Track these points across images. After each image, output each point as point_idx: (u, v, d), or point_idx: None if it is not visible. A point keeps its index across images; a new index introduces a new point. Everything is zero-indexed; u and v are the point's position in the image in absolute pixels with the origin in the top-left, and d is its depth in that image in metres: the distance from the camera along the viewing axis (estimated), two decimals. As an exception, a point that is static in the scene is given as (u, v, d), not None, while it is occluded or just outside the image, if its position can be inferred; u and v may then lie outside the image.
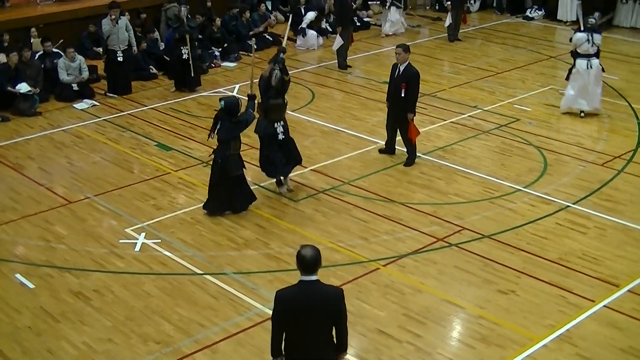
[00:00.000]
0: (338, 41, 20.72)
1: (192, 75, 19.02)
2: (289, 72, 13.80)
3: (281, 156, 13.25)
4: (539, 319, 10.00)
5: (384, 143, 15.19)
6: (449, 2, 23.47)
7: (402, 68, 14.44)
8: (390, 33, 24.39)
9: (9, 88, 17.61)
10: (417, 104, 14.57)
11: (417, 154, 14.82)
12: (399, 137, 14.80)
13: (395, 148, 15.01)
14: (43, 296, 10.66)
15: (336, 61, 21.15)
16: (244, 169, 12.78)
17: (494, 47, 23.26)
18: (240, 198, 12.90)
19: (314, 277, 7.10)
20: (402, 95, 14.34)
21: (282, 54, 13.33)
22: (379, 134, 15.80)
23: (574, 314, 10.11)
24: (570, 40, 17.08)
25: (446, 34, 23.93)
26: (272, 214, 12.83)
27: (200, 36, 20.61)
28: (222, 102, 12.43)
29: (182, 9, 19.08)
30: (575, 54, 16.78)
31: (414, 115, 14.51)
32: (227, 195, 12.76)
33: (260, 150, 13.52)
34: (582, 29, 16.62)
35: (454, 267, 11.21)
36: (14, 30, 20.64)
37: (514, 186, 13.72)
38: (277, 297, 7.19)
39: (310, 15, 23.37)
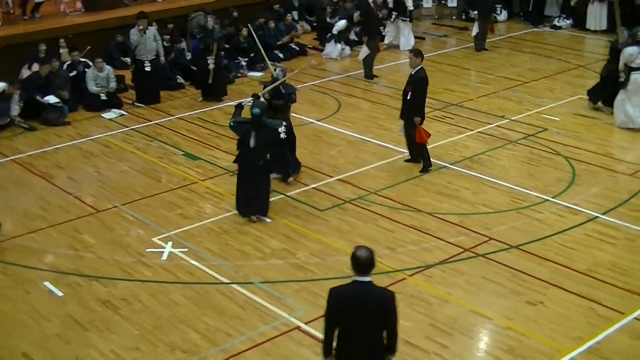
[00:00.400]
0: (364, 51, 20.73)
1: (211, 83, 19.09)
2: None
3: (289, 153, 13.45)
4: (567, 331, 9.93)
5: (409, 153, 15.18)
6: (476, 12, 23.43)
7: (412, 72, 14.60)
8: (395, 43, 24.18)
9: (38, 97, 17.75)
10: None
11: (444, 164, 14.81)
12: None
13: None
14: (71, 304, 10.72)
15: (362, 71, 21.15)
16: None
17: (521, 56, 23.17)
18: (258, 201, 13.09)
19: (367, 278, 7.24)
20: (408, 98, 14.54)
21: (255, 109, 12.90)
22: (405, 144, 15.77)
23: (603, 326, 10.03)
24: (614, 52, 16.89)
25: (473, 44, 23.86)
26: (299, 224, 12.84)
27: (227, 46, 20.68)
28: (257, 110, 12.66)
29: (209, 19, 19.17)
30: (628, 69, 16.56)
31: (421, 119, 14.57)
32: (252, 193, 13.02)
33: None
34: (626, 41, 16.50)
35: (481, 277, 11.17)
36: (44, 41, 20.80)
37: (542, 196, 13.66)
38: (331, 294, 7.33)
39: (342, 23, 23.35)
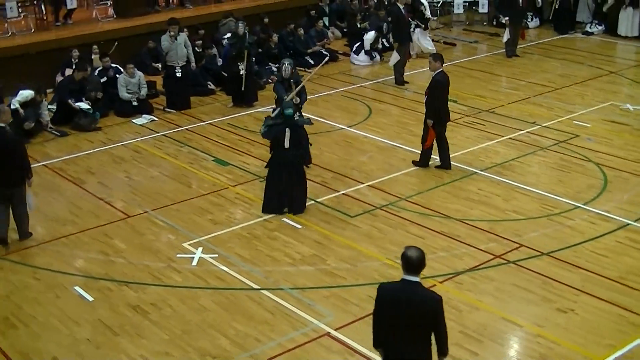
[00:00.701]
0: (395, 57, 20.70)
1: (243, 90, 19.13)
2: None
3: None
4: (598, 339, 9.85)
5: (439, 159, 15.15)
6: (507, 18, 23.35)
7: (432, 76, 14.81)
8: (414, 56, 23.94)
9: (70, 101, 17.88)
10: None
11: (475, 170, 14.78)
12: (453, 153, 14.76)
13: (450, 163, 14.98)
14: (102, 309, 10.78)
15: (393, 77, 21.12)
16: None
17: (552, 62, 23.04)
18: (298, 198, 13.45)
19: (416, 278, 7.38)
20: (425, 101, 14.86)
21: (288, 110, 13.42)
22: (435, 150, 15.72)
23: (635, 333, 9.93)
24: None
25: (504, 50, 23.76)
26: (329, 230, 12.83)
27: (259, 50, 20.71)
28: (290, 110, 13.12)
29: (240, 24, 19.22)
30: None
31: (432, 121, 14.69)
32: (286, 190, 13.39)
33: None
34: None
35: (512, 284, 11.10)
36: (77, 47, 20.98)
37: (573, 203, 13.57)
38: (379, 290, 7.58)
39: (371, 35, 23.32)
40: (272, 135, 13.19)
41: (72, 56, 20.21)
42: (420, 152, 15.22)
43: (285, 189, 13.31)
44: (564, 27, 26.58)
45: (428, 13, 23.85)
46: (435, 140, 14.86)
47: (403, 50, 20.75)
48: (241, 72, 18.96)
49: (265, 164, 13.49)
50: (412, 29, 23.32)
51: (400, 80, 20.90)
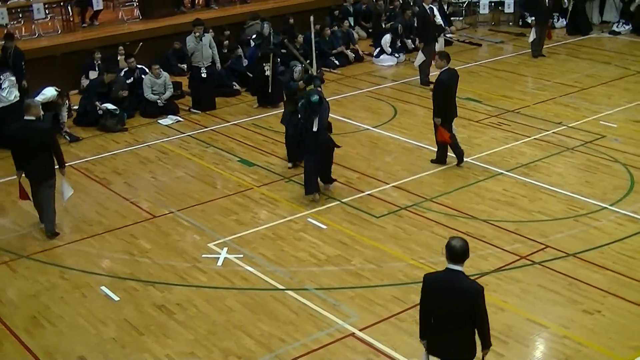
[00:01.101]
0: (420, 57, 20.65)
1: (270, 91, 19.17)
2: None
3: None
4: (625, 340, 9.79)
5: (466, 160, 15.14)
6: (533, 18, 23.24)
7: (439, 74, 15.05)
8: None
9: (97, 103, 17.98)
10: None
11: (500, 171, 14.74)
12: (478, 153, 14.70)
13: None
14: (127, 309, 10.83)
15: (418, 77, 21.07)
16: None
17: (579, 62, 22.91)
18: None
19: (460, 267, 7.63)
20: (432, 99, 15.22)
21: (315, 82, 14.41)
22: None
23: (662, 335, 9.90)
24: None
25: (530, 50, 23.66)
26: (354, 230, 12.83)
27: (283, 51, 20.71)
28: (316, 97, 13.54)
29: (265, 25, 19.25)
30: None
31: (440, 119, 14.81)
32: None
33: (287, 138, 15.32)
34: None
35: (538, 285, 11.05)
36: (102, 48, 21.13)
37: (600, 204, 13.49)
38: (424, 280, 7.90)
39: (386, 38, 23.23)
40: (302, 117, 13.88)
41: (94, 58, 20.34)
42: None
43: (323, 168, 13.99)
44: (579, 29, 26.35)
45: (439, 20, 23.66)
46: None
47: (428, 51, 20.68)
48: (266, 73, 18.99)
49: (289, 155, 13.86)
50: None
51: (425, 81, 20.84)
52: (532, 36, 23.27)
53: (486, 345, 7.77)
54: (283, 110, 15.91)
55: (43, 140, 12.56)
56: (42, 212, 12.99)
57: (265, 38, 19.13)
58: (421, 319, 7.96)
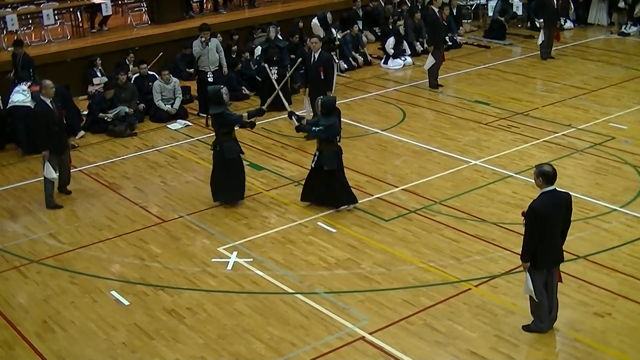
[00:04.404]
0: (430, 60, 20.63)
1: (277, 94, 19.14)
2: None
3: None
4: (636, 343, 9.75)
5: (475, 162, 15.14)
6: (542, 20, 23.22)
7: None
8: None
9: (101, 114, 18.05)
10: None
11: (510, 173, 14.75)
12: (488, 156, 14.63)
13: None
14: (138, 313, 10.84)
15: (427, 80, 21.04)
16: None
17: (588, 64, 22.87)
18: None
19: (554, 187, 9.54)
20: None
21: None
22: (470, 153, 15.71)
23: (674, 337, 9.85)
24: None
25: (539, 52, 23.61)
26: (363, 234, 12.82)
27: (292, 56, 20.70)
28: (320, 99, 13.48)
29: (272, 29, 19.26)
30: None
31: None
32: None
33: None
34: None
35: (548, 288, 11.02)
36: (112, 53, 21.19)
37: (610, 206, 13.45)
38: (537, 209, 9.43)
39: (390, 42, 23.21)
40: (332, 133, 13.39)
41: (95, 64, 20.40)
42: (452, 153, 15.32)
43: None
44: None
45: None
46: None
47: (438, 54, 20.67)
48: (273, 77, 18.95)
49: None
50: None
51: (434, 84, 20.83)
52: (540, 38, 23.23)
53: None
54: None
55: (59, 120, 14.47)
56: (61, 176, 14.58)
57: (272, 41, 19.14)
58: (531, 243, 9.44)
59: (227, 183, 14.01)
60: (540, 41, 23.31)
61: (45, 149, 14.07)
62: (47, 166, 14.04)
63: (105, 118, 18.06)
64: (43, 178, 14.29)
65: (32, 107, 15.89)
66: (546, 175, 9.45)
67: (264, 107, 14.95)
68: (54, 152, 14.17)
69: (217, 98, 13.79)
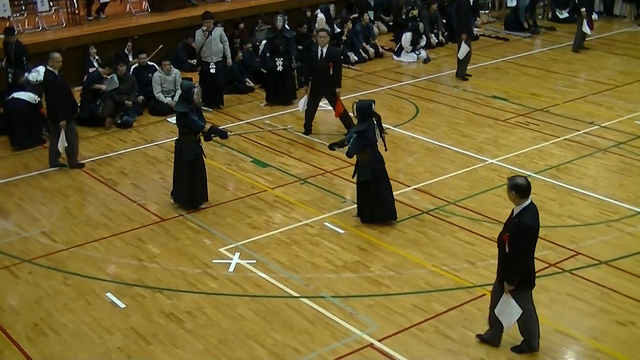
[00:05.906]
0: (464, 49, 20.50)
1: (279, 86, 19.19)
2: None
3: None
4: (660, 353, 9.78)
5: (492, 161, 15.15)
6: (584, 9, 22.68)
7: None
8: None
9: (97, 85, 18.22)
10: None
11: (528, 173, 14.70)
12: (505, 154, 14.64)
13: None
14: (134, 317, 10.86)
15: (441, 74, 21.01)
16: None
17: (612, 58, 22.85)
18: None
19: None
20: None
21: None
22: (487, 152, 15.71)
23: (700, 348, 9.86)
24: None
25: (560, 45, 23.51)
26: (373, 235, 12.83)
27: (299, 47, 20.71)
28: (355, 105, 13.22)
29: (279, 18, 19.26)
30: None
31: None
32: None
33: None
34: None
35: (567, 295, 11.02)
36: (110, 42, 21.20)
37: (634, 208, 13.45)
38: (534, 226, 9.34)
39: (407, 37, 23.18)
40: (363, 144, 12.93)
41: (90, 54, 20.43)
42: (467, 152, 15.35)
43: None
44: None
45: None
46: None
47: (469, 43, 20.65)
48: (278, 68, 18.99)
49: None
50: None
51: (462, 75, 20.80)
52: (585, 27, 22.95)
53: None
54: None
55: (67, 88, 15.83)
56: (70, 146, 15.61)
57: (278, 32, 19.16)
58: (526, 261, 9.24)
59: (183, 186, 13.85)
60: (587, 30, 23.06)
61: (63, 118, 15.30)
62: (62, 137, 15.31)
63: (100, 91, 18.07)
64: (49, 144, 16.12)
65: (34, 101, 17.04)
66: (520, 188, 9.34)
67: (230, 132, 14.89)
68: (67, 119, 15.44)
69: (187, 96, 13.70)
